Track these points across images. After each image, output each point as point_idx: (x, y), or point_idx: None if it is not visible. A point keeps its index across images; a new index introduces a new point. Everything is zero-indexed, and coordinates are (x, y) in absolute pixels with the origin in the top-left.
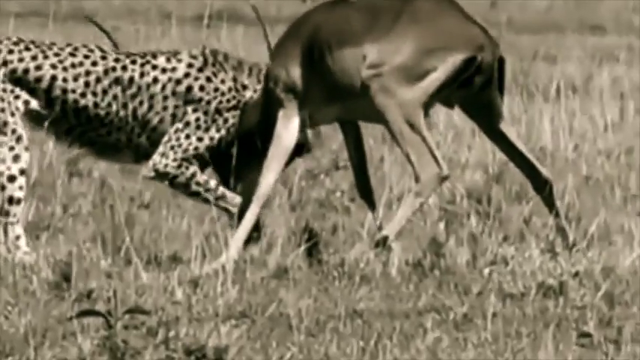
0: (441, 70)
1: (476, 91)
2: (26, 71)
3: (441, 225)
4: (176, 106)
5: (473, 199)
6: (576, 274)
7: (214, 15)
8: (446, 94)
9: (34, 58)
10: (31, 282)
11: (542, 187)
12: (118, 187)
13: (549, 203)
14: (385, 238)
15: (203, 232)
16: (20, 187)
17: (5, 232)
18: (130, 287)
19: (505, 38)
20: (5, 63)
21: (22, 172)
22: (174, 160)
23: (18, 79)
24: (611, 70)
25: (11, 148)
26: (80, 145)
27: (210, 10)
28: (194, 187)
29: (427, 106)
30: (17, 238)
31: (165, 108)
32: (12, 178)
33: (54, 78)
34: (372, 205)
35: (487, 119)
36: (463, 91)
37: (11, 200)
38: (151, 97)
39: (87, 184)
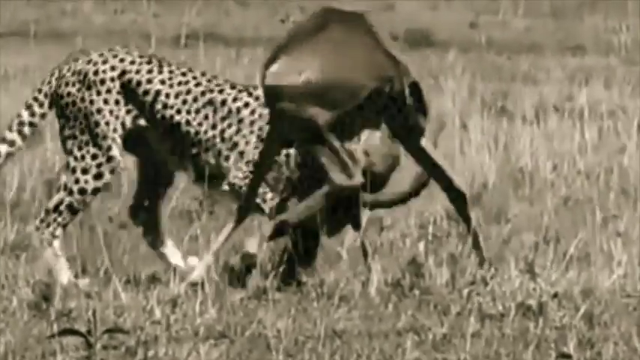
0: (348, 102)
1: (393, 115)
2: (139, 83)
3: (421, 245)
4: (260, 128)
5: (452, 219)
6: (555, 294)
7: (192, 35)
8: (364, 121)
9: (149, 71)
10: (11, 302)
11: (457, 198)
12: (97, 207)
13: (464, 216)
14: (284, 223)
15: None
16: (84, 202)
17: (48, 225)
18: (109, 307)
19: (485, 58)
20: (124, 73)
21: (96, 191)
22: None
23: (131, 91)
24: (590, 91)
25: (99, 165)
26: (181, 166)
27: (187, 30)
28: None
29: (353, 134)
30: (54, 237)
31: (252, 132)
32: (82, 191)
33: (158, 92)
34: None
35: (409, 139)
36: (380, 116)
37: (70, 207)
38: (240, 120)
39: None
